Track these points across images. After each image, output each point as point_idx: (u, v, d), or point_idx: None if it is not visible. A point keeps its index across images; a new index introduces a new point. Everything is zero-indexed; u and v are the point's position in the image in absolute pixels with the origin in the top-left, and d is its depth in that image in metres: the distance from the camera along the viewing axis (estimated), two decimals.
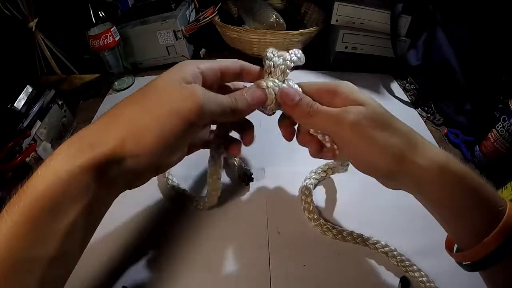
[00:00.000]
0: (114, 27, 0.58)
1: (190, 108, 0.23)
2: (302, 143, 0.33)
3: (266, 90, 0.29)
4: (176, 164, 0.28)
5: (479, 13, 0.52)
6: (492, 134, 0.43)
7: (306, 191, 0.39)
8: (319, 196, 0.41)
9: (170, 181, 0.42)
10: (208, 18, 0.64)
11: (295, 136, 0.33)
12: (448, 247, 0.27)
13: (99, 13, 0.55)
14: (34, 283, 0.20)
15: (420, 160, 0.25)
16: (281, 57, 0.30)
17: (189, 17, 0.69)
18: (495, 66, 0.50)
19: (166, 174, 0.42)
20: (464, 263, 0.25)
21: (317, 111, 0.27)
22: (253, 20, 0.65)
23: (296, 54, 0.31)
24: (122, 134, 0.22)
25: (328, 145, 0.31)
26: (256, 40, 0.60)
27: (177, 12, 0.64)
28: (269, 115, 0.32)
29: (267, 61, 0.30)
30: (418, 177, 0.25)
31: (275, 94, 0.29)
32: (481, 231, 0.23)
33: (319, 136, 0.31)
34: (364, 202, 0.40)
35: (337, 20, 0.62)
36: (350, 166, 0.35)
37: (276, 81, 0.30)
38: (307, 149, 0.45)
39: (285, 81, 0.30)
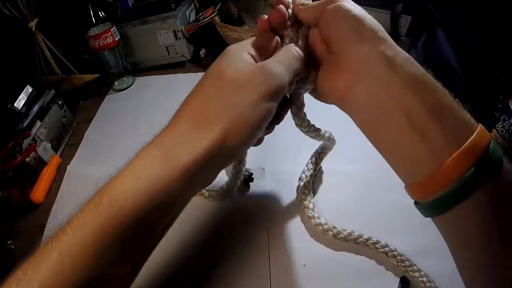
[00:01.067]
0: (114, 27, 0.58)
1: (267, 85, 0.22)
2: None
3: None
4: None
5: (479, 13, 0.52)
6: (492, 134, 0.43)
7: (305, 191, 0.39)
8: (319, 196, 0.41)
9: None
10: (208, 18, 0.64)
11: None
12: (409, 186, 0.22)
13: (99, 13, 0.56)
14: None
15: (391, 41, 0.23)
16: None
17: (189, 17, 0.69)
18: (495, 66, 0.50)
19: None
20: (424, 201, 0.20)
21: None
22: (253, 20, 0.65)
23: None
24: (220, 133, 0.20)
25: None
26: None
27: (177, 12, 0.64)
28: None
29: None
30: (387, 53, 0.22)
31: None
32: (444, 152, 0.18)
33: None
34: (364, 202, 0.40)
35: None
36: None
37: None
38: (307, 149, 0.46)
39: None
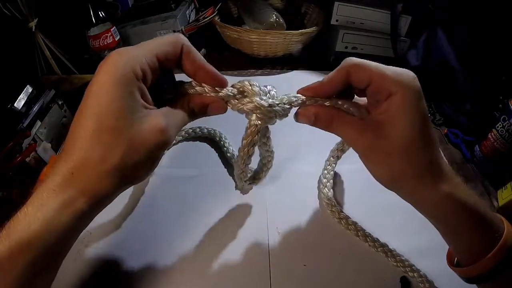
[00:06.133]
0: (114, 27, 0.58)
1: (163, 149, 0.24)
2: None
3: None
4: None
5: (479, 13, 0.52)
6: (492, 134, 0.43)
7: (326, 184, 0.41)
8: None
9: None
10: (208, 18, 0.64)
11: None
12: (449, 260, 0.29)
13: (99, 13, 0.55)
14: None
15: (431, 186, 0.25)
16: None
17: (189, 17, 0.69)
18: (495, 66, 0.50)
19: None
20: (462, 276, 0.27)
21: (336, 124, 0.27)
22: (253, 20, 0.65)
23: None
24: (117, 186, 0.23)
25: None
26: (256, 40, 0.60)
27: (177, 12, 0.64)
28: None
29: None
30: (421, 200, 0.26)
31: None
32: (480, 251, 0.24)
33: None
34: (363, 202, 0.40)
35: (337, 20, 0.62)
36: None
37: (268, 100, 0.27)
38: (307, 149, 0.45)
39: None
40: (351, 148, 0.42)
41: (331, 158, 0.43)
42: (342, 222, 0.37)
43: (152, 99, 0.25)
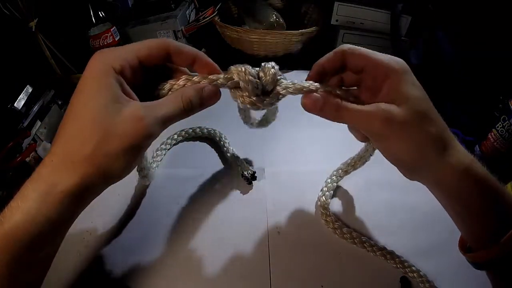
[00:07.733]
0: (114, 27, 0.58)
1: (139, 140, 0.24)
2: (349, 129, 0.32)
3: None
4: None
5: (479, 13, 0.52)
6: (492, 134, 0.43)
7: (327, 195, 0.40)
8: None
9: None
10: (208, 18, 0.64)
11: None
12: (461, 245, 0.28)
13: (99, 13, 0.56)
14: None
15: (447, 159, 0.25)
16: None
17: (189, 17, 0.69)
18: (495, 66, 0.50)
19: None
20: (475, 262, 0.26)
21: (345, 109, 0.26)
22: (253, 20, 0.65)
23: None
24: (89, 176, 0.23)
25: None
26: (256, 40, 0.60)
27: (177, 12, 0.64)
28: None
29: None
30: (441, 175, 0.26)
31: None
32: (496, 232, 0.24)
33: None
34: (363, 202, 0.40)
35: (337, 20, 0.62)
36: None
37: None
38: (308, 149, 0.45)
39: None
40: (361, 163, 0.41)
41: (339, 171, 0.41)
42: (337, 232, 0.36)
43: (146, 96, 0.26)
